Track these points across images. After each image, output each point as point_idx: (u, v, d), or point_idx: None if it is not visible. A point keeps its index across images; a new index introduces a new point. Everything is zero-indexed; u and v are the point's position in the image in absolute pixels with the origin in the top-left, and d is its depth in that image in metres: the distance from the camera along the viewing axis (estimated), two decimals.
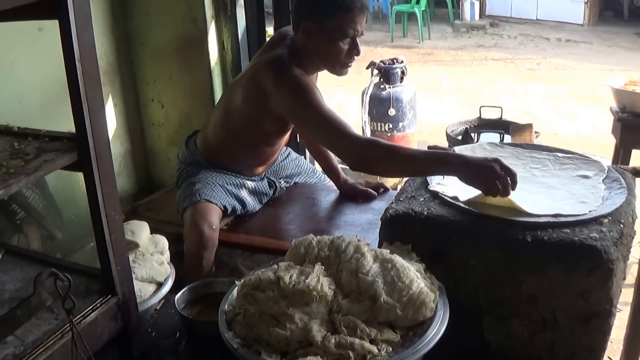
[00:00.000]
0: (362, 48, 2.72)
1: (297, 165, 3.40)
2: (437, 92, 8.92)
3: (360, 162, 2.44)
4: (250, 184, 3.06)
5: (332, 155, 3.29)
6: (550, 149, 2.33)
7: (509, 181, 1.99)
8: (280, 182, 3.25)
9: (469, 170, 2.09)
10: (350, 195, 3.21)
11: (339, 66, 2.72)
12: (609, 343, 1.89)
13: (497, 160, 2.04)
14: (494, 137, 4.35)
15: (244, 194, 3.03)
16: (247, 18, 3.69)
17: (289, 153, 3.38)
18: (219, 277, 2.54)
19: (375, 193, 3.19)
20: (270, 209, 3.16)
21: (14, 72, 3.09)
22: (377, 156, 2.34)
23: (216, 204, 2.83)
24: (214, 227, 2.75)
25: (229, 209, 2.92)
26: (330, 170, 3.33)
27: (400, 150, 2.36)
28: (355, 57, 2.71)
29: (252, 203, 3.05)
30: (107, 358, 1.86)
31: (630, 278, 3.25)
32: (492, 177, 2.01)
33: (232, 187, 2.98)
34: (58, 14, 1.53)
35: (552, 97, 8.58)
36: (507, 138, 4.16)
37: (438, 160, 2.18)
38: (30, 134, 1.76)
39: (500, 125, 4.45)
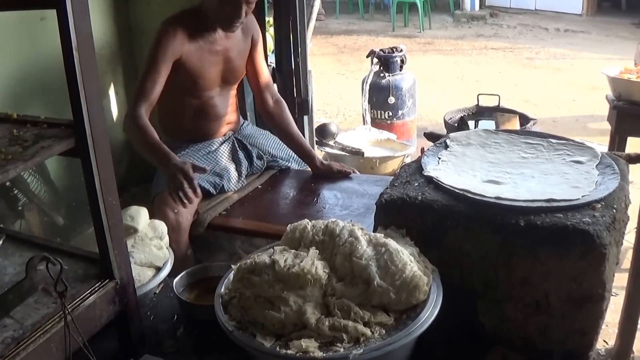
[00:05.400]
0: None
1: (272, 140, 3.52)
2: (438, 80, 8.94)
3: (125, 125, 3.17)
4: (216, 147, 3.21)
5: (303, 138, 3.48)
6: (544, 135, 2.33)
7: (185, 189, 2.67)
8: (253, 150, 3.36)
9: (166, 167, 2.76)
10: (326, 176, 3.36)
11: (226, 24, 3.01)
12: (604, 327, 1.91)
13: (181, 170, 2.68)
14: (491, 124, 4.37)
15: (216, 164, 3.17)
16: None
17: (249, 123, 3.59)
18: (218, 261, 2.58)
19: (350, 171, 3.37)
20: (268, 195, 3.21)
21: (17, 60, 3.11)
22: (131, 129, 2.92)
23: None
24: (176, 210, 2.87)
25: (207, 186, 3.05)
26: (303, 153, 3.44)
27: (141, 134, 2.85)
28: (242, 18, 2.98)
29: (228, 169, 3.20)
30: (107, 341, 1.89)
31: (627, 263, 3.28)
32: (174, 183, 2.69)
33: (202, 161, 3.12)
34: (56, 3, 1.54)
35: (551, 85, 8.59)
36: None
37: (157, 154, 2.81)
38: (30, 121, 1.78)
39: None
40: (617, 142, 3.60)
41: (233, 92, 3.32)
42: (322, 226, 1.82)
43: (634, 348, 3.07)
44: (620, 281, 2.99)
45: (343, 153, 4.90)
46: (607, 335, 3.25)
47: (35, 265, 1.64)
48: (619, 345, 3.09)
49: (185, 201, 2.72)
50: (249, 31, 3.23)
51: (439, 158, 2.19)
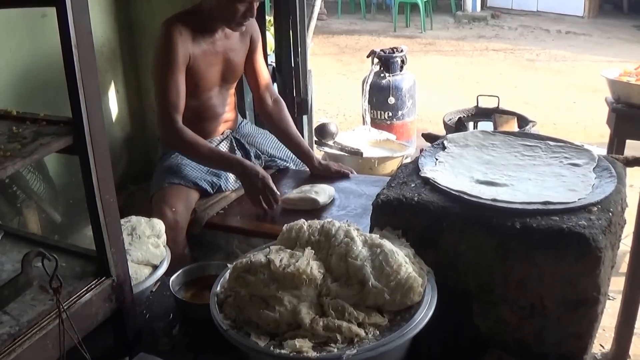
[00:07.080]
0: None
1: (270, 140, 3.52)
2: (438, 81, 8.94)
3: (168, 144, 3.05)
4: (214, 146, 3.18)
5: (302, 138, 3.48)
6: (542, 137, 2.33)
7: (270, 197, 2.89)
8: (251, 149, 3.37)
9: (241, 176, 2.95)
10: (324, 176, 3.35)
11: (234, 24, 3.00)
12: (601, 331, 1.91)
13: (263, 177, 2.88)
14: (491, 125, 4.37)
15: None
16: None
17: (247, 122, 3.61)
18: (216, 260, 2.58)
19: (348, 172, 3.38)
20: None
21: (18, 57, 3.12)
22: (180, 147, 2.99)
23: (183, 185, 2.99)
24: (174, 209, 2.89)
25: (205, 185, 3.06)
26: (301, 153, 3.43)
27: (194, 148, 2.93)
28: (250, 18, 3.00)
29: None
30: (103, 338, 1.89)
31: (624, 267, 3.28)
32: (255, 189, 2.89)
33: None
34: (55, 1, 1.54)
35: (551, 87, 8.59)
36: None
37: (222, 162, 2.99)
38: (29, 118, 1.78)
39: None
40: (616, 144, 3.60)
41: (231, 91, 3.32)
42: (318, 226, 1.82)
43: (631, 352, 3.07)
44: (617, 285, 2.99)
45: (342, 153, 4.89)
46: (604, 339, 3.25)
47: (30, 260, 1.64)
48: (616, 349, 3.09)
49: (266, 206, 2.92)
50: (247, 31, 3.22)
51: (436, 159, 2.19)
